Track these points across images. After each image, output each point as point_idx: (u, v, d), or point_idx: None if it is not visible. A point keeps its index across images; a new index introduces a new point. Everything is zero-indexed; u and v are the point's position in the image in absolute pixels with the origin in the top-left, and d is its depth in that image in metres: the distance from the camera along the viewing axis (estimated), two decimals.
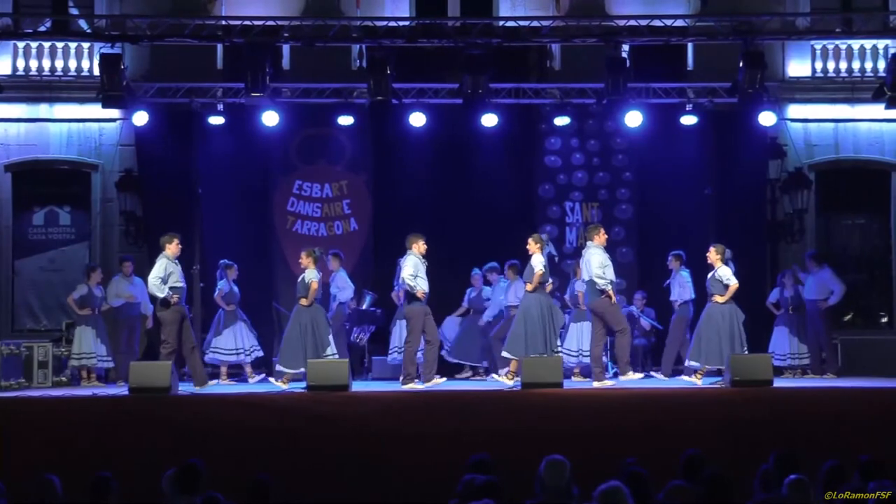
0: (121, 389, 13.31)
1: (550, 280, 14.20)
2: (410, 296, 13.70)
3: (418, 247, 13.86)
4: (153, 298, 14.25)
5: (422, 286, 13.67)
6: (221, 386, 14.60)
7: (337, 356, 13.74)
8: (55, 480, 7.37)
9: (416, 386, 13.48)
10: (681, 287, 15.39)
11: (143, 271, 16.43)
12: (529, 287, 13.59)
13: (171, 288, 13.66)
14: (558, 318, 13.84)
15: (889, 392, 12.65)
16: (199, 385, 13.79)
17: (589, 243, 13.83)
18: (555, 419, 11.15)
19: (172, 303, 13.63)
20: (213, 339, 15.37)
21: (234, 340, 15.42)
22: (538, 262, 13.60)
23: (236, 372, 15.73)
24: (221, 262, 15.63)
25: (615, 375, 14.01)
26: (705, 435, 10.48)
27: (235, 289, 15.51)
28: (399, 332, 15.25)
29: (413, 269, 13.64)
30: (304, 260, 14.08)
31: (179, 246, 14.02)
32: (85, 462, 9.52)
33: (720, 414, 11.29)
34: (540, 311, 13.50)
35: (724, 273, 13.80)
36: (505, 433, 10.63)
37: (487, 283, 15.94)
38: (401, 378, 13.82)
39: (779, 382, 13.07)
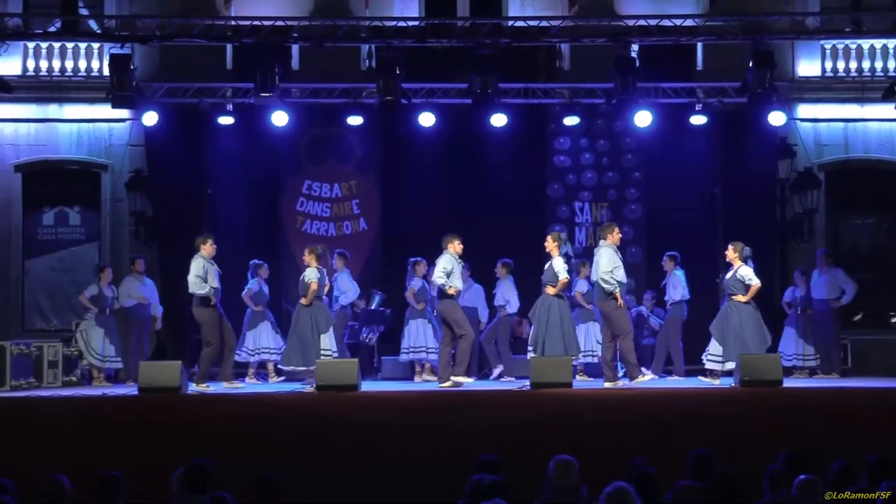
0: (130, 389, 13.32)
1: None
2: (442, 293, 13.59)
3: (454, 246, 13.70)
4: (186, 298, 14.16)
5: (455, 284, 13.57)
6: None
7: (336, 354, 13.62)
8: (64, 480, 7.38)
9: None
10: (674, 287, 15.36)
11: (152, 272, 16.50)
12: (552, 291, 13.33)
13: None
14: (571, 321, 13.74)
15: None
16: (228, 383, 13.80)
17: (602, 242, 13.49)
18: (563, 419, 11.12)
19: (212, 302, 13.64)
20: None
21: (256, 340, 15.46)
22: (561, 266, 13.35)
23: (261, 372, 15.77)
24: (252, 261, 15.62)
25: (625, 375, 13.82)
26: (714, 435, 10.45)
27: (265, 289, 15.54)
28: (414, 331, 15.25)
29: (447, 267, 13.54)
30: (307, 257, 13.91)
31: (214, 246, 13.88)
32: (94, 462, 9.53)
33: (730, 414, 11.26)
34: (559, 314, 13.36)
35: (746, 272, 13.26)
36: (514, 433, 10.61)
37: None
38: (438, 379, 13.85)
39: (788, 383, 13.03)
